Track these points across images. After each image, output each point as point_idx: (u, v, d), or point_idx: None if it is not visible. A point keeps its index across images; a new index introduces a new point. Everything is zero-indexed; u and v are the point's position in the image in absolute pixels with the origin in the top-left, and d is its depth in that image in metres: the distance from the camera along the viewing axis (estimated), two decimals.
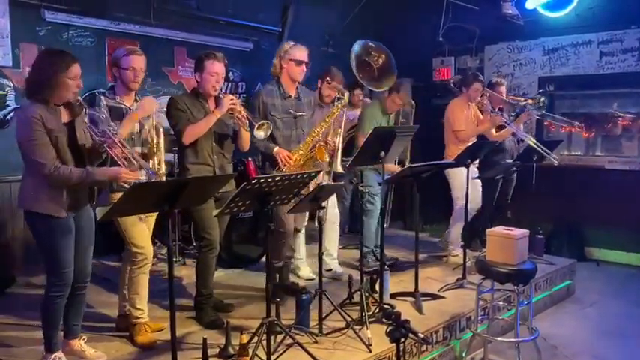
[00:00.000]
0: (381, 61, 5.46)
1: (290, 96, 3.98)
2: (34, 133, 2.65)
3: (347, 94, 4.02)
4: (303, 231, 4.62)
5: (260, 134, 3.54)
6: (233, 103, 3.49)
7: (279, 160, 3.86)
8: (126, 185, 2.84)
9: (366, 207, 4.87)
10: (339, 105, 3.98)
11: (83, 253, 2.93)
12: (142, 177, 2.74)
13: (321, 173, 4.29)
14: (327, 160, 3.97)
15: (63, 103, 2.78)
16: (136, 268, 3.31)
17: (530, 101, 5.46)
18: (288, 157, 3.87)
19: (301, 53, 3.91)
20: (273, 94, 3.93)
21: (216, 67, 3.52)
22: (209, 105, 3.60)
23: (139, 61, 3.21)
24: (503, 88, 5.45)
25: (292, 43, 3.96)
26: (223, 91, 3.69)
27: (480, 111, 5.30)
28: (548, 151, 5.04)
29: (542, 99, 5.36)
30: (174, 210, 2.55)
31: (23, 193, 2.79)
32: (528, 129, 6.61)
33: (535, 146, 5.02)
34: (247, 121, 3.55)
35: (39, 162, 2.64)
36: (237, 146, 3.78)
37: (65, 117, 2.82)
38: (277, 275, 4.10)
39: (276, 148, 3.88)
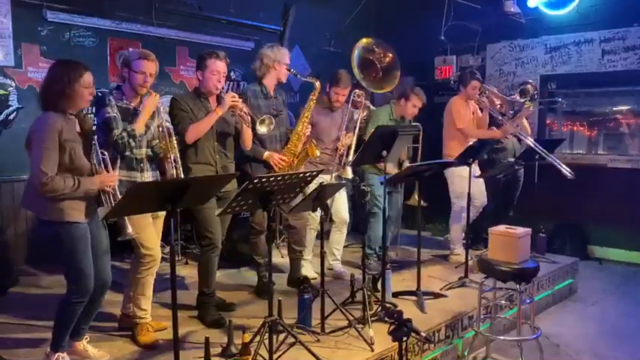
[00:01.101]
0: (387, 60, 5.43)
1: (272, 96, 4.04)
2: (50, 141, 2.66)
3: (317, 83, 4.09)
4: (314, 233, 4.62)
5: (262, 129, 3.55)
6: (235, 101, 3.49)
7: (273, 165, 3.89)
8: (109, 189, 2.85)
9: (372, 209, 4.86)
10: (313, 98, 4.06)
11: (100, 260, 2.93)
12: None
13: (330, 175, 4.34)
14: (318, 155, 4.03)
15: (77, 112, 2.83)
16: (144, 269, 3.31)
17: (521, 99, 5.43)
18: (281, 159, 3.90)
19: (288, 57, 4.06)
20: (257, 95, 3.99)
21: (218, 66, 3.52)
22: (211, 104, 3.60)
23: (150, 66, 3.20)
24: (495, 91, 5.45)
25: (279, 46, 4.09)
26: (225, 90, 3.69)
27: (480, 109, 5.30)
28: (546, 152, 5.05)
29: (531, 90, 5.33)
30: (176, 209, 2.54)
31: (39, 204, 2.76)
32: (530, 127, 6.61)
33: (534, 147, 5.02)
34: (249, 118, 3.56)
35: (40, 169, 2.64)
36: (240, 145, 3.79)
37: (77, 128, 2.86)
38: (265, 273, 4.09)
39: (266, 153, 3.91)
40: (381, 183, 4.25)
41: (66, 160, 2.71)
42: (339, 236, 4.76)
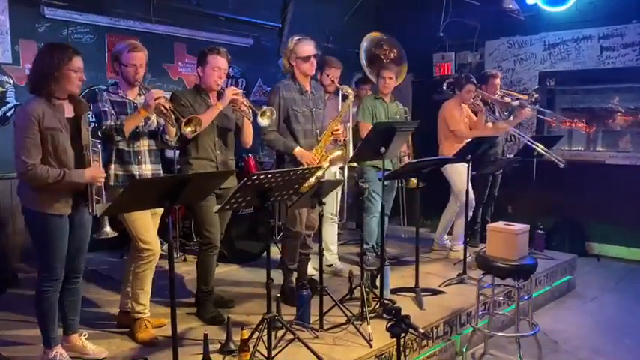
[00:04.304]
0: (392, 55, 5.45)
1: (307, 91, 3.91)
2: (30, 130, 2.67)
3: (352, 92, 4.00)
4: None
5: (264, 122, 3.46)
6: (235, 94, 3.45)
7: (305, 164, 3.71)
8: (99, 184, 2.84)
9: (367, 204, 4.86)
10: (349, 102, 3.99)
11: (75, 253, 2.92)
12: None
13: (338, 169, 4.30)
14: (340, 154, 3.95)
15: (66, 97, 2.81)
16: (143, 263, 3.30)
17: (524, 97, 5.44)
18: (312, 158, 3.76)
19: (307, 49, 3.78)
20: (291, 89, 3.86)
21: (219, 62, 3.51)
22: (211, 100, 3.59)
23: (139, 58, 3.21)
24: (497, 81, 5.41)
25: (296, 40, 3.82)
26: (225, 86, 3.67)
27: (474, 112, 5.29)
28: (547, 150, 5.06)
29: (535, 95, 5.35)
30: (174, 206, 2.54)
31: (23, 191, 2.80)
32: (529, 125, 6.63)
33: (534, 146, 5.05)
34: (251, 111, 3.49)
35: (21, 158, 2.67)
36: (240, 142, 3.73)
37: (69, 112, 2.84)
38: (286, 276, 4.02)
39: (297, 149, 3.76)
40: (380, 180, 4.25)
41: (49, 148, 2.72)
42: (330, 228, 4.73)
